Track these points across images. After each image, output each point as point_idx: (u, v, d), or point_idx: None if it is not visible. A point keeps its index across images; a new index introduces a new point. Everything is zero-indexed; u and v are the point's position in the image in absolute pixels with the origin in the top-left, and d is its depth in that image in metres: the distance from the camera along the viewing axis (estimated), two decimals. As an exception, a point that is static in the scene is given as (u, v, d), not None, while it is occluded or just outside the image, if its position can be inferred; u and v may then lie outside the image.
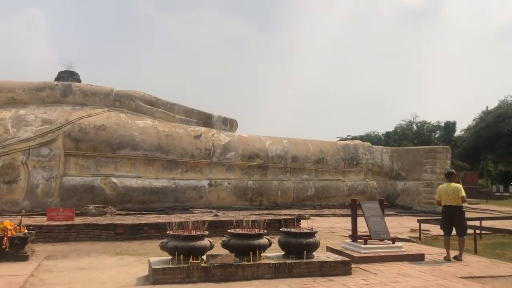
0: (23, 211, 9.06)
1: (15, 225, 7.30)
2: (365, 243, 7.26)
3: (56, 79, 22.89)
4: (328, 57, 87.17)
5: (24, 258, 7.10)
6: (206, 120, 15.67)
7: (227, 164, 14.90)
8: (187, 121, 15.22)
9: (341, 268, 6.06)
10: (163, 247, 5.84)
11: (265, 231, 6.25)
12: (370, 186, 17.51)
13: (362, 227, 7.93)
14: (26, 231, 7.41)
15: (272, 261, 5.86)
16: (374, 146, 18.98)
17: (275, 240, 6.75)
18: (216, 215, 11.58)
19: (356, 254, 6.95)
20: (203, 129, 15.06)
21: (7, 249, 6.97)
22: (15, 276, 5.88)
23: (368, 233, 7.51)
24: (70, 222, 9.60)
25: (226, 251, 6.01)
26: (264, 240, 6.04)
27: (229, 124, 16.17)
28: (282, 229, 6.41)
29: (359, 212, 7.61)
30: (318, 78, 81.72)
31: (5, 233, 7.01)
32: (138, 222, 9.78)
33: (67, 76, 23.64)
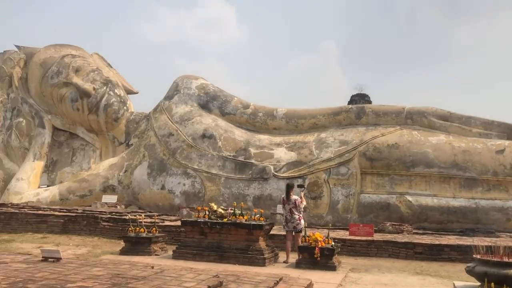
0: (330, 224, 10.01)
1: (324, 237, 8.13)
2: None
3: (349, 103, 24.58)
4: None
5: (332, 268, 7.81)
6: (510, 132, 13.93)
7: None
8: (486, 134, 13.89)
9: None
10: (470, 272, 5.45)
11: None
12: None
13: None
14: (333, 243, 8.15)
15: None
16: None
17: None
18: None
19: None
20: (506, 142, 13.44)
21: (319, 258, 7.82)
22: (327, 284, 6.53)
23: None
24: (370, 238, 10.05)
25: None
26: None
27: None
28: None
29: None
30: None
31: (317, 244, 7.89)
32: (437, 242, 9.45)
33: (359, 98, 25.10)
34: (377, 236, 10.44)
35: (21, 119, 17.05)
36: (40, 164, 16.33)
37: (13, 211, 12.60)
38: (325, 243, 8.06)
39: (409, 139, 13.59)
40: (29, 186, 15.68)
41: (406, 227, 11.79)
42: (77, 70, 16.40)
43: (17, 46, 17.95)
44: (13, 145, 16.84)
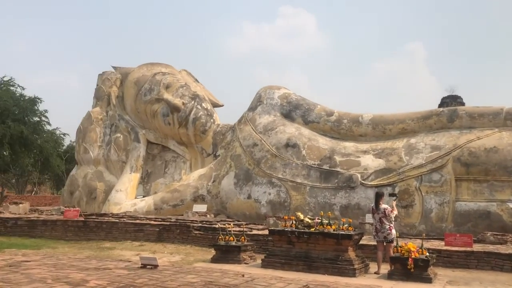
0: (424, 234, 9.54)
1: (417, 248, 7.76)
2: None
3: (440, 105, 23.37)
4: None
5: (428, 280, 7.43)
6: None
7: None
8: None
9: None
10: None
11: None
12: None
13: None
14: (427, 253, 7.76)
15: None
16: None
17: None
18: None
19: None
20: None
21: (412, 269, 7.48)
22: (423, 296, 6.21)
23: None
24: (468, 249, 9.41)
25: None
26: None
27: None
28: None
29: None
30: None
31: (409, 254, 7.55)
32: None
33: (450, 101, 23.77)
34: (477, 247, 9.74)
35: (118, 135, 18.33)
36: (136, 176, 17.42)
37: (114, 220, 13.53)
38: (418, 253, 7.69)
39: (509, 142, 12.59)
40: (127, 197, 16.77)
41: (510, 237, 10.87)
42: (167, 87, 17.32)
43: (113, 67, 19.39)
44: (112, 159, 18.14)
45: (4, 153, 25.39)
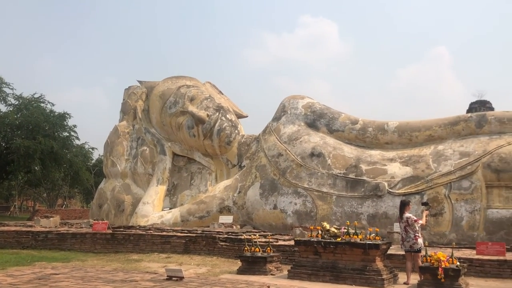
0: (454, 243, 9.28)
1: (447, 257, 7.56)
2: None
3: (468, 111, 22.79)
4: None
5: (460, 290, 7.20)
6: None
7: None
8: None
9: None
10: None
11: None
12: None
13: None
14: (458, 263, 7.54)
15: None
16: None
17: None
18: None
19: None
20: None
21: (443, 279, 7.28)
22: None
23: None
24: (501, 258, 9.12)
25: None
26: None
27: None
28: None
29: None
30: None
31: (439, 264, 7.36)
32: None
33: (479, 106, 23.14)
34: (510, 256, 9.42)
35: (145, 148, 18.60)
36: (163, 188, 17.60)
37: (141, 233, 13.67)
38: (449, 263, 7.48)
39: (541, 147, 12.19)
40: (154, 209, 16.94)
41: (545, 245, 10.47)
42: (192, 99, 17.52)
43: (139, 81, 19.76)
44: (139, 171, 18.40)
45: (36, 168, 26.09)
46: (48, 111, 26.98)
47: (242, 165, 17.07)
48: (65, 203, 43.44)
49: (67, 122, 27.30)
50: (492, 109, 22.63)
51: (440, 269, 7.36)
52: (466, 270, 7.86)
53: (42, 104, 27.07)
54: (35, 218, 18.89)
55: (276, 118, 17.02)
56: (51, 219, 17.41)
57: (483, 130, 13.44)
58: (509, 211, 11.85)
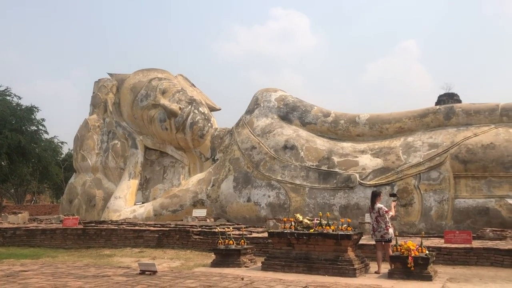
0: (423, 232, 9.52)
1: (417, 246, 7.75)
2: None
3: (437, 103, 23.35)
4: None
5: (428, 278, 7.42)
6: None
7: None
8: None
9: None
10: None
11: None
12: None
13: None
14: (427, 251, 7.75)
15: None
16: None
17: None
18: None
19: None
20: None
21: (412, 268, 7.47)
22: (423, 294, 6.20)
23: None
24: (468, 245, 9.41)
25: None
26: None
27: None
28: None
29: None
30: None
31: (409, 253, 7.54)
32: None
33: (447, 98, 23.76)
34: (476, 243, 9.74)
35: (116, 141, 18.31)
36: (135, 183, 17.38)
37: (113, 227, 13.49)
38: (418, 251, 7.67)
39: (506, 138, 12.60)
40: (126, 203, 16.72)
41: (510, 233, 10.87)
42: (163, 92, 17.32)
43: (109, 74, 19.40)
44: (110, 166, 18.11)
45: (2, 163, 25.34)
46: (14, 104, 26.18)
47: (215, 159, 17.02)
48: (34, 198, 42.41)
49: (35, 116, 26.56)
50: (459, 101, 23.26)
51: (410, 258, 7.54)
52: (434, 258, 8.08)
53: (8, 97, 26.23)
54: (3, 214, 18.37)
55: (249, 111, 17.02)
56: (19, 215, 16.96)
57: (451, 122, 13.79)
58: (475, 201, 12.22)
